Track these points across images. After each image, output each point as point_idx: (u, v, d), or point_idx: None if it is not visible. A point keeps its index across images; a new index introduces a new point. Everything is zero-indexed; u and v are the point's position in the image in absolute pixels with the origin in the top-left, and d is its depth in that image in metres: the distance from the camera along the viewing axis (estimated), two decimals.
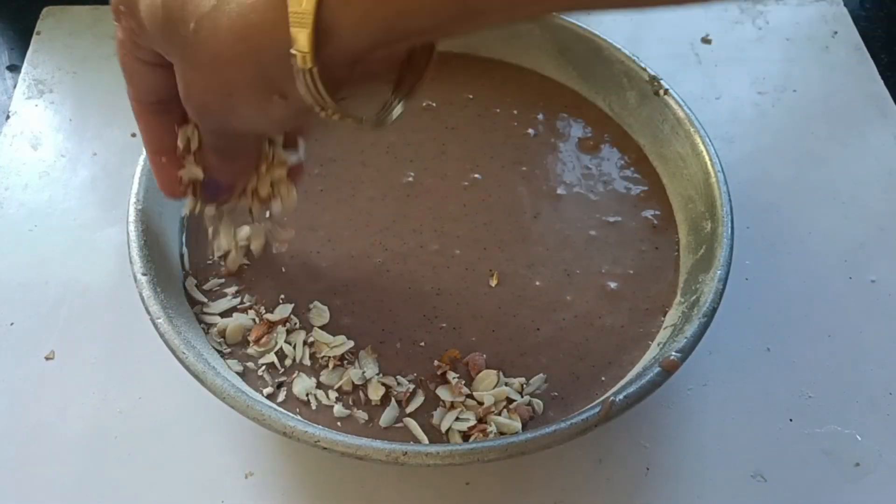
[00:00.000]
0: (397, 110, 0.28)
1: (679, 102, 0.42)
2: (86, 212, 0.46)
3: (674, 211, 0.42)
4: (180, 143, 0.31)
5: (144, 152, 0.38)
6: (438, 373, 0.36)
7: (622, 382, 0.36)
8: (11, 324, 0.41)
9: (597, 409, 0.32)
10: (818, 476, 0.38)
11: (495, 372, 0.36)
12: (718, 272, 0.36)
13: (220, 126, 0.29)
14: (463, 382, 0.36)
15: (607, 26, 0.57)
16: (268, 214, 0.37)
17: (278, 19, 0.23)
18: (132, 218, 0.37)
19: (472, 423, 0.35)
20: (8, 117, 0.50)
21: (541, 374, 0.36)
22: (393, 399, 0.35)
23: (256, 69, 0.25)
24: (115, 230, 0.45)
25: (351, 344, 0.37)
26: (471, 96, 0.47)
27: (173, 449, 0.38)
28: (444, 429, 0.35)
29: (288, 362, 0.36)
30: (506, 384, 0.36)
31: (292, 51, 0.23)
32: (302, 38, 0.23)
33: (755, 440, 0.39)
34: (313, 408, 0.35)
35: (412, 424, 0.35)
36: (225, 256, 0.39)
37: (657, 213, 0.42)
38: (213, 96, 0.26)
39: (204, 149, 0.31)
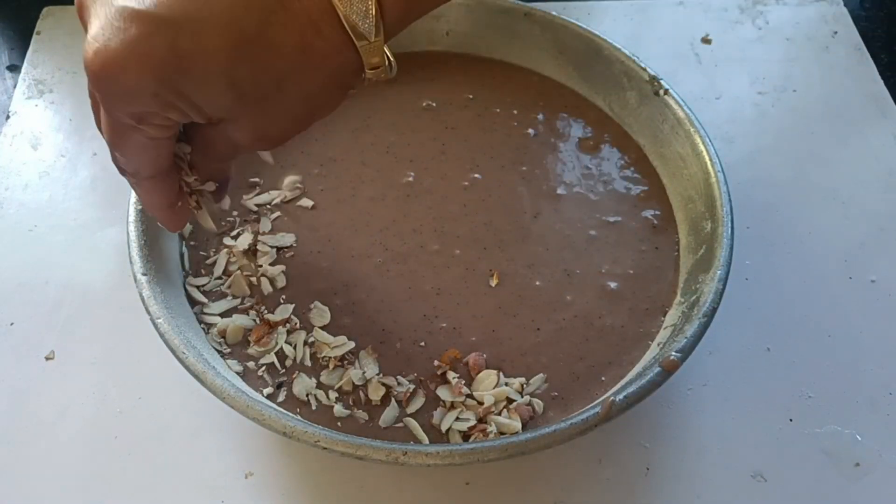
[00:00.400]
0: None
1: (679, 102, 0.42)
2: (86, 212, 0.46)
3: (674, 211, 0.42)
4: (185, 179, 0.33)
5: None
6: (438, 373, 0.36)
7: (622, 382, 0.36)
8: (11, 324, 0.41)
9: (597, 409, 0.32)
10: (818, 476, 0.38)
11: (495, 372, 0.36)
12: (718, 272, 0.36)
13: (268, 143, 0.31)
14: (463, 382, 0.36)
15: (607, 26, 0.57)
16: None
17: (353, 57, 0.28)
18: (132, 218, 0.37)
19: (472, 423, 0.35)
20: (8, 117, 0.50)
21: (541, 374, 0.36)
22: (393, 399, 0.35)
23: (341, 92, 0.30)
24: (115, 230, 0.45)
25: (352, 345, 0.37)
26: (471, 96, 0.47)
27: (173, 449, 0.38)
28: (444, 429, 0.35)
29: (288, 362, 0.36)
30: (506, 384, 0.36)
31: (368, 73, 0.29)
32: (376, 61, 0.29)
33: (755, 440, 0.39)
34: (313, 408, 0.35)
35: (412, 424, 0.35)
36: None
37: (657, 213, 0.42)
38: (291, 122, 0.30)
39: (208, 167, 0.33)
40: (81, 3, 0.27)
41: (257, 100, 0.28)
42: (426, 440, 0.34)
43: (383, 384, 0.36)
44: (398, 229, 0.41)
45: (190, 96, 0.27)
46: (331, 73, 0.28)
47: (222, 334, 0.37)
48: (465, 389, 0.36)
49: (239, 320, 0.37)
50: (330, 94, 0.30)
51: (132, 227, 0.37)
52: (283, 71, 0.27)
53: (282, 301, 0.38)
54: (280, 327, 0.37)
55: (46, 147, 0.49)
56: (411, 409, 0.35)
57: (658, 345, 0.37)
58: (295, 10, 0.26)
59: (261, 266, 0.39)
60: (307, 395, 0.35)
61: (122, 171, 0.31)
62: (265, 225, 0.41)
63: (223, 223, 0.41)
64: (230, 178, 0.35)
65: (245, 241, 0.40)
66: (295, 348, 0.37)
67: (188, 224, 0.40)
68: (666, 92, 0.43)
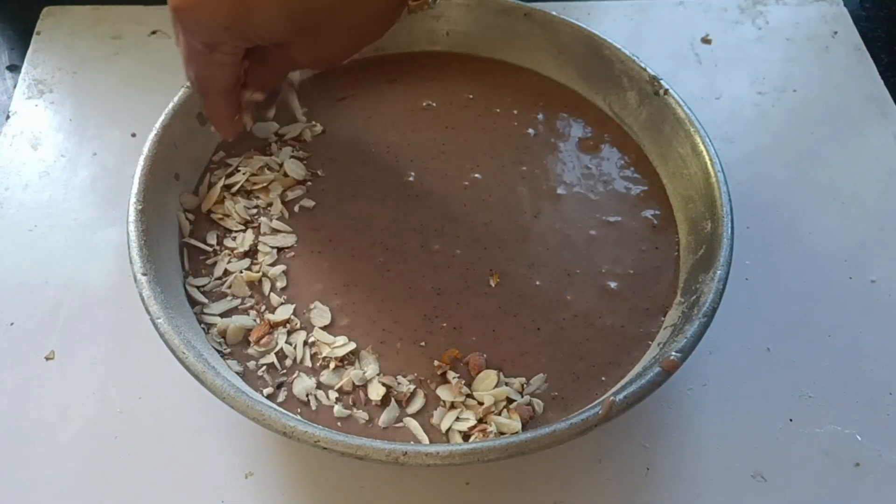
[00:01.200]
0: None
1: (679, 102, 0.42)
2: (86, 212, 0.46)
3: (674, 211, 0.42)
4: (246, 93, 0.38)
5: (145, 151, 0.39)
6: (438, 373, 0.36)
7: (622, 382, 0.36)
8: (11, 324, 0.41)
9: (597, 409, 0.32)
10: (818, 476, 0.38)
11: (495, 372, 0.36)
12: (718, 272, 0.36)
13: (322, 64, 0.37)
14: (463, 382, 0.36)
15: (607, 26, 0.57)
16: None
17: None
18: (132, 218, 0.37)
19: (472, 423, 0.35)
20: (8, 117, 0.50)
21: (541, 374, 0.36)
22: (393, 399, 0.35)
23: (387, 20, 0.35)
24: (115, 230, 0.45)
25: (353, 345, 0.37)
26: (471, 96, 0.47)
27: (173, 449, 0.38)
28: (444, 429, 0.35)
29: (288, 363, 0.36)
30: (506, 384, 0.36)
31: (411, 3, 0.35)
32: None
33: (755, 440, 0.39)
34: (313, 408, 0.35)
35: (412, 424, 0.35)
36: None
37: (657, 213, 0.42)
38: (341, 48, 0.35)
39: (264, 78, 0.38)
40: None
41: (311, 29, 0.33)
42: (426, 440, 0.34)
43: (384, 384, 0.36)
44: (398, 229, 0.41)
45: (254, 28, 0.32)
46: (377, 3, 0.33)
47: (222, 334, 0.37)
48: (465, 389, 0.36)
49: (239, 320, 0.37)
50: (376, 22, 0.34)
51: (132, 227, 0.36)
52: (333, 3, 0.32)
53: (282, 301, 0.38)
54: (280, 328, 0.37)
55: (46, 147, 0.49)
56: (411, 409, 0.35)
57: (658, 345, 0.37)
58: None
59: (261, 266, 0.39)
60: (307, 396, 0.35)
61: (193, 86, 0.37)
62: (266, 226, 0.41)
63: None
64: (279, 92, 0.40)
65: (246, 241, 0.40)
66: (295, 348, 0.37)
67: (190, 223, 0.40)
68: (666, 92, 0.43)
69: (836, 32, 0.57)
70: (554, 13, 0.46)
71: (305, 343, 0.37)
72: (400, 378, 0.36)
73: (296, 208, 0.42)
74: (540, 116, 0.46)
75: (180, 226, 0.40)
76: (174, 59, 0.52)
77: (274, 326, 0.37)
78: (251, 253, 0.40)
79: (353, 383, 0.36)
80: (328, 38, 0.34)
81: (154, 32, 0.55)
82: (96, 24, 0.55)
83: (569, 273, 0.40)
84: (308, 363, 0.36)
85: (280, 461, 0.37)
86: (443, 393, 0.36)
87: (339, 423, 0.35)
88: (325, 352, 0.36)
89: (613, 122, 0.46)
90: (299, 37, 0.33)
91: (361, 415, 0.35)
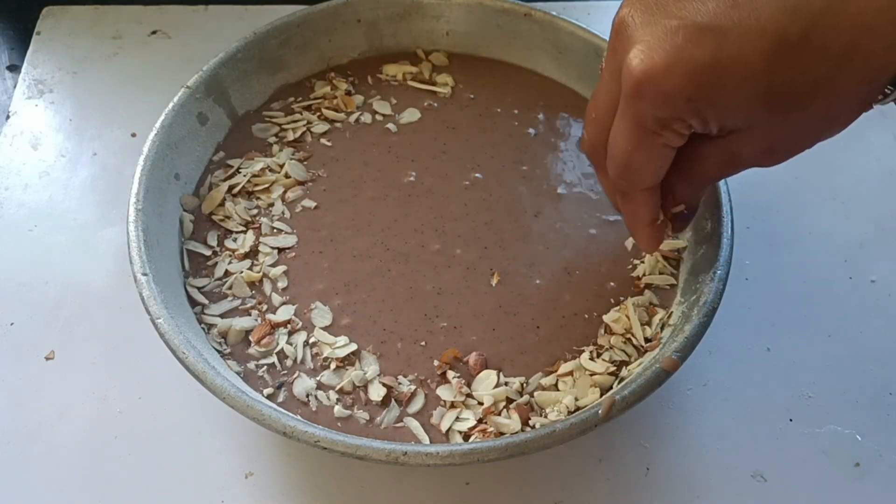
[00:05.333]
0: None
1: None
2: (86, 212, 0.46)
3: None
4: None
5: (145, 151, 0.38)
6: (439, 373, 0.36)
7: (622, 382, 0.36)
8: (11, 324, 0.41)
9: (597, 409, 0.32)
10: (818, 476, 0.38)
11: (495, 372, 0.36)
12: (718, 272, 0.36)
13: (773, 158, 0.31)
14: (463, 382, 0.36)
15: (607, 26, 0.57)
16: None
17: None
18: (132, 218, 0.37)
19: (472, 423, 0.35)
20: (8, 117, 0.50)
21: (540, 373, 0.36)
22: (393, 399, 0.35)
23: (863, 105, 0.29)
24: (115, 230, 0.45)
25: (354, 346, 0.37)
26: (471, 96, 0.47)
27: (173, 449, 0.38)
28: (444, 429, 0.35)
29: (288, 363, 0.36)
30: (506, 384, 0.36)
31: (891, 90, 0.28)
32: None
33: (755, 440, 0.39)
34: (313, 408, 0.35)
35: (412, 424, 0.35)
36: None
37: None
38: (804, 135, 0.30)
39: (693, 185, 0.34)
40: (622, 23, 0.29)
41: (786, 107, 0.28)
42: (426, 440, 0.34)
43: (384, 384, 0.36)
44: (399, 229, 0.41)
45: (722, 102, 0.28)
46: (867, 77, 0.27)
47: (223, 335, 0.37)
48: (465, 389, 0.36)
49: (240, 321, 0.37)
50: (853, 105, 0.29)
51: (132, 227, 0.36)
52: (822, 74, 0.27)
53: (283, 302, 0.38)
54: (281, 328, 0.37)
55: (46, 147, 0.49)
56: (411, 409, 0.35)
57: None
58: (848, 12, 0.26)
59: (262, 267, 0.39)
60: (307, 396, 0.35)
61: (617, 186, 0.33)
62: (266, 226, 0.41)
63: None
64: (696, 210, 0.35)
65: (247, 242, 0.40)
66: (296, 349, 0.37)
67: (192, 223, 0.40)
68: None
69: None
70: (554, 13, 0.46)
71: (306, 343, 0.37)
72: (401, 378, 0.36)
73: (297, 209, 0.42)
74: (540, 116, 0.46)
75: (182, 227, 0.40)
76: (174, 59, 0.53)
77: (275, 327, 0.37)
78: (252, 254, 0.40)
79: (354, 384, 0.36)
80: (799, 119, 0.29)
81: (154, 32, 0.55)
82: (96, 24, 0.55)
83: (569, 272, 0.40)
84: (309, 364, 0.36)
85: (280, 461, 0.37)
86: (443, 393, 0.36)
87: (339, 424, 0.35)
88: (326, 352, 0.36)
89: None
90: (769, 115, 0.28)
91: (362, 415, 0.35)
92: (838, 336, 0.42)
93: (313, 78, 0.47)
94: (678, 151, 0.31)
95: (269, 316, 0.37)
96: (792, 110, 0.28)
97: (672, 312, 0.38)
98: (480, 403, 0.35)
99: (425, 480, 0.37)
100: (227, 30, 0.54)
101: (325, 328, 0.37)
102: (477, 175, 0.44)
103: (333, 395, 0.35)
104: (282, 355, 0.37)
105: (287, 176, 0.43)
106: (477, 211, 0.42)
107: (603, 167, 0.33)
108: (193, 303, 0.38)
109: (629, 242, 0.41)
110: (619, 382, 0.36)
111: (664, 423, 0.39)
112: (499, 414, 0.35)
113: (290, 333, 0.37)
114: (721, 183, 0.39)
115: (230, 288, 0.38)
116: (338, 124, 0.45)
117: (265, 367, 0.36)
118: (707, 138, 0.30)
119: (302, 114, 0.46)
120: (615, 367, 0.36)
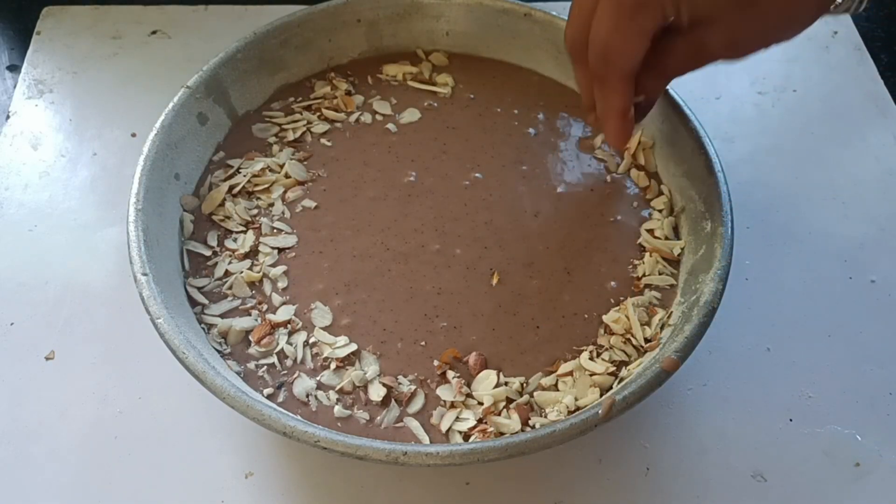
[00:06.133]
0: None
1: (679, 102, 0.42)
2: (86, 212, 0.46)
3: (674, 210, 0.42)
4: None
5: (145, 151, 0.39)
6: (439, 373, 0.36)
7: (622, 382, 0.36)
8: (11, 324, 0.41)
9: (597, 409, 0.32)
10: (818, 476, 0.38)
11: (495, 372, 0.36)
12: (718, 272, 0.36)
13: (734, 51, 0.35)
14: (463, 382, 0.36)
15: None
16: None
17: None
18: (132, 218, 0.37)
19: (472, 423, 0.35)
20: (8, 117, 0.50)
21: (540, 373, 0.36)
22: (393, 399, 0.35)
23: (815, 10, 0.33)
24: (115, 230, 0.45)
25: (354, 346, 0.37)
26: (471, 96, 0.47)
27: (173, 449, 0.38)
28: (444, 429, 0.35)
29: (288, 363, 0.36)
30: (506, 384, 0.36)
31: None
32: None
33: (755, 440, 0.39)
34: (313, 408, 0.35)
35: (412, 424, 0.35)
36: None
37: (657, 212, 0.42)
38: (762, 33, 0.34)
39: (659, 78, 0.37)
40: None
41: (744, 4, 0.32)
42: (426, 440, 0.34)
43: (384, 384, 0.36)
44: (399, 229, 0.41)
45: None
46: None
47: (223, 335, 0.37)
48: (465, 389, 0.36)
49: (240, 321, 0.37)
50: (806, 9, 0.33)
51: (132, 227, 0.36)
52: None
53: (283, 302, 0.38)
54: (281, 328, 0.37)
55: (46, 147, 0.49)
56: (411, 409, 0.35)
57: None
58: None
59: (262, 267, 0.39)
60: (307, 396, 0.35)
61: (595, 75, 0.36)
62: (266, 226, 0.41)
63: None
64: (654, 103, 0.39)
65: (247, 242, 0.40)
66: (296, 349, 0.37)
67: (192, 222, 0.40)
68: (665, 91, 0.43)
69: (836, 32, 0.57)
70: (554, 13, 0.46)
71: (306, 343, 0.37)
72: (401, 378, 0.36)
73: (297, 208, 0.42)
74: (540, 116, 0.46)
75: (182, 227, 0.40)
76: (174, 59, 0.53)
77: (275, 327, 0.37)
78: (252, 254, 0.40)
79: (354, 384, 0.36)
80: (756, 15, 0.33)
81: (154, 32, 0.55)
82: (96, 24, 0.55)
83: (569, 272, 0.40)
84: (309, 364, 0.36)
85: (280, 461, 0.37)
86: (443, 393, 0.36)
87: (339, 424, 0.35)
88: (326, 352, 0.36)
89: None
90: (730, 8, 0.32)
91: (362, 415, 0.35)
92: (838, 336, 0.42)
93: (313, 78, 0.47)
94: (654, 45, 0.34)
95: (269, 316, 0.38)
96: (749, 6, 0.32)
97: (672, 312, 0.38)
98: (480, 403, 0.35)
99: (425, 480, 0.37)
100: (227, 30, 0.54)
101: (325, 328, 0.37)
102: (477, 175, 0.44)
103: (333, 395, 0.35)
104: (282, 355, 0.37)
105: (287, 176, 0.43)
106: (477, 211, 0.42)
107: (583, 60, 0.36)
108: (193, 303, 0.38)
109: (598, 139, 0.43)
110: (618, 382, 0.36)
111: (664, 423, 0.39)
112: (499, 414, 0.35)
113: (290, 333, 0.37)
114: (721, 183, 0.39)
115: (230, 288, 0.38)
116: (338, 124, 0.45)
117: (265, 367, 0.36)
118: (677, 33, 0.34)
119: (302, 114, 0.46)
120: (615, 368, 0.36)
